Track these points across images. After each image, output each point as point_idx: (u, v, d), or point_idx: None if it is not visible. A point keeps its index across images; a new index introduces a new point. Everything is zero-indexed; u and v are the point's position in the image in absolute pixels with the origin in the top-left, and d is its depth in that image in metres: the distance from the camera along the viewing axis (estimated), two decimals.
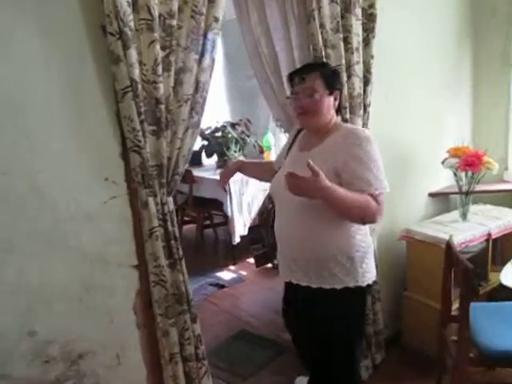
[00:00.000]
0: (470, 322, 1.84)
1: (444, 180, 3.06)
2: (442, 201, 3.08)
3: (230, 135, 4.41)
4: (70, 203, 1.48)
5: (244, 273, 4.05)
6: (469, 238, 2.42)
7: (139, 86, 1.49)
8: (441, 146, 2.99)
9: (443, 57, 2.93)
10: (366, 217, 1.52)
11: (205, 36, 1.65)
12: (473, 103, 3.20)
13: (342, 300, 1.63)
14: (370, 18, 2.22)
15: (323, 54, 2.01)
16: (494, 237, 2.54)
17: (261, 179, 2.26)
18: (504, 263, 2.25)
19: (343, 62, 2.10)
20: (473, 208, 2.69)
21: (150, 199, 1.60)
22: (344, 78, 2.11)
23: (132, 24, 1.45)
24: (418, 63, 2.74)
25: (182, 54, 1.61)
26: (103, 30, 1.46)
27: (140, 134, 1.52)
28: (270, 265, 3.66)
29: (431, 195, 2.97)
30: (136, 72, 1.47)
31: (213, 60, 1.69)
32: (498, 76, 3.02)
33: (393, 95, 2.56)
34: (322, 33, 2.00)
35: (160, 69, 1.53)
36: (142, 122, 1.52)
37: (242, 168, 2.13)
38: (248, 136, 4.55)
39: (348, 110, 2.16)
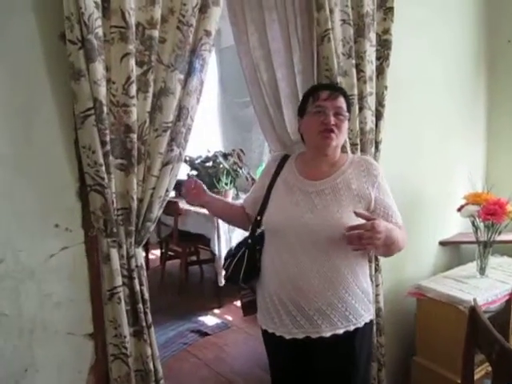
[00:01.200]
0: None
1: (455, 227, 2.77)
2: (453, 250, 2.78)
3: (221, 166, 4.15)
4: (8, 257, 1.14)
5: (230, 318, 3.67)
6: (491, 299, 2.11)
7: (105, 109, 1.18)
8: (453, 191, 2.72)
9: (458, 92, 2.69)
10: (399, 250, 1.49)
11: (193, 52, 1.36)
12: (487, 145, 2.94)
13: (367, 338, 1.57)
14: (384, 45, 1.96)
15: (337, 80, 1.72)
16: None
17: (229, 221, 1.97)
18: None
19: (355, 91, 1.82)
20: (490, 261, 2.38)
21: (113, 251, 1.27)
22: (355, 110, 1.83)
23: (100, 31, 1.15)
24: (431, 98, 2.48)
25: (164, 73, 1.31)
26: (62, 38, 1.15)
27: (103, 168, 1.20)
28: None
29: (442, 244, 2.67)
30: (102, 91, 1.17)
31: (201, 82, 1.40)
32: None
33: (402, 132, 2.29)
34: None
35: (133, 89, 1.22)
36: (106, 155, 1.21)
37: (210, 203, 1.76)
38: (240, 168, 4.29)
39: (359, 147, 1.87)
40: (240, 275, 1.58)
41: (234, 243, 3.74)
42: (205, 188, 1.71)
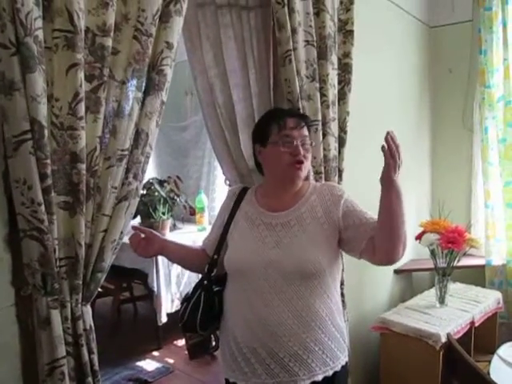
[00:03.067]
0: None
1: (407, 254, 2.74)
2: (406, 278, 2.74)
3: (156, 194, 3.86)
4: None
5: (171, 361, 3.35)
6: (456, 330, 2.06)
7: (46, 133, 0.93)
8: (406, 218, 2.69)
9: (403, 119, 2.70)
10: (404, 243, 1.28)
11: (152, 67, 1.14)
12: (432, 168, 2.99)
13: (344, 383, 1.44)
14: (345, 69, 1.89)
15: (299, 105, 1.58)
16: (476, 324, 2.20)
17: (190, 267, 1.72)
18: (486, 351, 2.02)
19: (319, 117, 1.70)
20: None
21: (55, 313, 1.00)
22: (319, 136, 1.70)
23: (40, 34, 0.91)
24: (383, 124, 2.44)
25: (118, 90, 1.10)
26: None
27: (42, 208, 0.94)
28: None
29: (396, 272, 2.61)
30: (42, 110, 0.92)
31: (162, 102, 1.18)
32: (458, 140, 2.85)
33: (361, 160, 2.21)
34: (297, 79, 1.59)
35: (82, 108, 0.98)
36: (46, 190, 0.95)
37: (166, 249, 1.53)
38: (178, 196, 4.03)
39: (323, 176, 1.74)
40: (197, 322, 1.40)
41: (173, 278, 3.49)
42: (155, 233, 1.48)
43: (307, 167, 1.43)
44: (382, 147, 1.17)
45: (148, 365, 3.29)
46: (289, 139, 1.36)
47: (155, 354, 3.46)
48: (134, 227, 1.45)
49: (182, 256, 1.58)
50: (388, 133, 1.17)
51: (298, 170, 1.37)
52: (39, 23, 0.90)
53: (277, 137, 1.36)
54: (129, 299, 4.10)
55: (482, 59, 2.61)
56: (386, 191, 1.23)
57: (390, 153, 1.16)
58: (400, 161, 1.18)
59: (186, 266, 1.70)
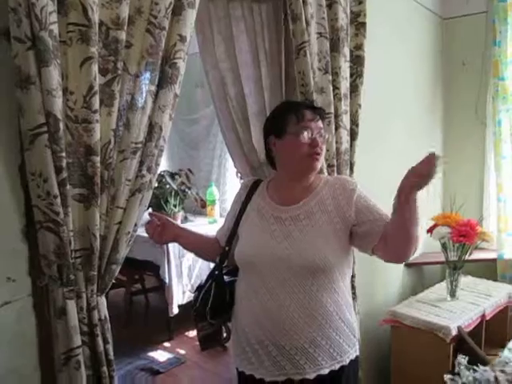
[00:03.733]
0: None
1: (418, 247, 2.73)
2: (417, 272, 2.74)
3: (168, 186, 3.88)
4: None
5: (183, 352, 3.38)
6: (467, 323, 2.05)
7: (61, 126, 0.94)
8: None
9: (416, 111, 2.68)
10: (415, 244, 1.27)
11: (165, 60, 1.15)
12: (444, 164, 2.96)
13: (353, 377, 1.43)
14: (357, 61, 1.88)
15: (313, 97, 1.58)
16: (487, 318, 2.19)
17: (203, 256, 1.76)
18: (497, 345, 2.00)
19: (332, 109, 1.69)
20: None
21: (70, 303, 1.02)
22: (332, 129, 1.70)
23: (55, 28, 0.92)
24: (397, 119, 2.44)
25: (131, 83, 1.10)
26: (6, 34, 0.90)
27: (58, 201, 0.96)
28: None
29: (408, 265, 2.61)
30: (57, 103, 0.93)
31: (175, 95, 1.19)
32: (471, 134, 2.81)
33: (374, 154, 2.20)
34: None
35: (96, 102, 0.99)
36: (62, 183, 0.96)
37: (181, 237, 1.54)
38: (189, 188, 4.04)
39: (335, 169, 1.73)
40: (206, 310, 1.43)
41: (184, 270, 3.52)
42: (171, 220, 1.50)
43: (322, 160, 1.43)
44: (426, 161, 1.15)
45: (160, 355, 3.32)
46: (308, 130, 1.35)
47: (167, 344, 3.49)
48: (150, 214, 1.47)
49: (197, 245, 1.60)
50: (430, 154, 1.15)
51: (316, 161, 1.37)
52: (54, 17, 0.91)
53: (295, 128, 1.35)
54: (140, 291, 4.14)
55: (496, 51, 2.57)
56: (403, 203, 1.18)
57: (425, 173, 1.13)
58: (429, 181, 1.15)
59: (199, 254, 1.73)
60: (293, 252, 1.31)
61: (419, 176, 1.13)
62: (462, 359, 1.40)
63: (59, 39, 0.94)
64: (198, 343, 3.10)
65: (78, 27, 0.95)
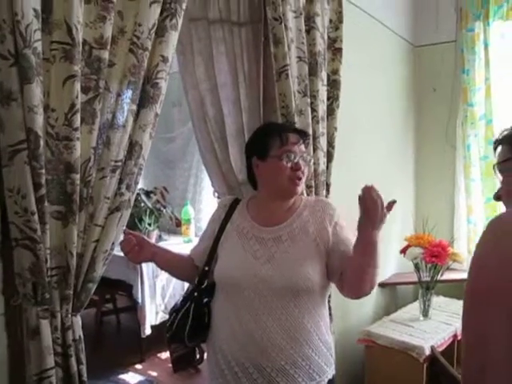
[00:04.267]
0: None
1: (391, 268, 2.78)
2: (390, 291, 2.77)
3: (143, 205, 3.84)
4: None
5: (154, 373, 3.29)
6: (439, 343, 2.08)
7: (41, 143, 0.94)
8: (389, 232, 2.74)
9: (389, 135, 2.76)
10: (374, 282, 1.30)
11: (147, 80, 1.16)
12: (416, 184, 3.05)
13: None
14: (333, 85, 1.93)
15: (294, 119, 1.62)
16: (459, 337, 2.22)
17: (177, 275, 1.72)
18: None
19: (310, 131, 1.73)
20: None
21: (44, 323, 1.00)
22: (310, 151, 1.73)
23: (39, 46, 0.92)
24: (372, 140, 2.51)
25: (113, 102, 1.11)
26: None
27: (36, 218, 0.95)
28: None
29: (381, 286, 2.64)
30: (38, 120, 0.93)
31: (156, 115, 1.20)
32: (442, 157, 2.92)
33: (347, 174, 2.25)
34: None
35: (78, 119, 1.00)
36: (40, 200, 0.96)
37: (158, 256, 1.50)
38: (164, 207, 4.01)
39: (314, 190, 1.76)
40: (185, 333, 1.40)
41: (158, 289, 3.46)
42: (146, 239, 1.47)
43: (303, 184, 1.44)
44: (359, 197, 1.19)
45: (131, 378, 3.22)
46: (291, 154, 1.36)
47: (138, 366, 3.39)
48: (125, 232, 1.44)
49: (172, 263, 1.57)
50: (366, 186, 1.20)
51: (297, 186, 1.38)
52: (38, 35, 0.91)
53: (279, 151, 1.35)
54: (112, 311, 4.04)
55: (464, 78, 2.69)
56: (362, 241, 1.23)
57: (367, 205, 1.17)
58: (383, 214, 1.18)
59: (175, 273, 1.69)
60: (275, 273, 1.30)
61: (369, 209, 1.18)
62: None
63: (42, 57, 0.94)
64: (170, 365, 3.05)
65: (61, 45, 0.96)
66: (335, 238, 1.36)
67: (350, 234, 1.38)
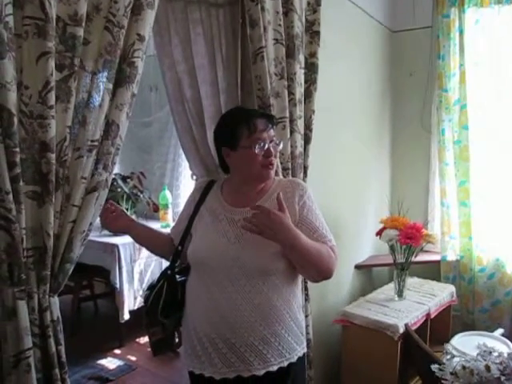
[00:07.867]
0: None
1: (367, 250, 2.84)
2: (366, 273, 2.83)
3: (119, 190, 3.79)
4: None
5: (133, 358, 3.30)
6: (413, 321, 2.14)
7: (15, 121, 0.92)
8: (365, 214, 2.79)
9: (365, 119, 2.79)
10: (324, 270, 1.32)
11: (124, 59, 1.14)
12: (391, 169, 3.10)
13: (300, 373, 1.49)
14: (311, 68, 1.93)
15: (269, 102, 1.62)
16: (432, 316, 2.30)
17: (156, 252, 1.75)
18: (440, 342, 2.05)
19: (287, 114, 1.73)
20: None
21: (21, 304, 0.99)
22: (287, 133, 1.74)
23: (11, 21, 0.89)
24: (349, 124, 2.53)
25: (88, 80, 1.08)
26: None
27: (10, 197, 0.93)
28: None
29: (357, 267, 2.70)
30: (11, 97, 0.91)
31: (133, 94, 1.18)
32: (417, 141, 2.97)
33: (324, 157, 2.27)
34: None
35: (52, 97, 0.98)
36: (15, 179, 0.94)
37: (134, 229, 1.57)
38: (141, 192, 3.98)
39: (290, 172, 1.78)
40: (159, 307, 1.45)
41: (135, 275, 3.45)
42: (126, 212, 1.51)
43: (275, 166, 1.45)
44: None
45: (109, 363, 3.23)
46: (261, 142, 1.35)
47: (117, 351, 3.40)
48: (108, 202, 1.46)
49: (150, 239, 1.62)
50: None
51: (270, 170, 1.39)
52: (10, 9, 0.89)
53: (248, 141, 1.34)
54: (89, 297, 4.01)
55: (440, 64, 2.73)
56: (285, 249, 1.29)
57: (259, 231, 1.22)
58: (269, 222, 1.20)
59: (151, 249, 1.72)
60: (244, 253, 1.33)
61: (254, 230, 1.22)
62: (449, 348, 1.44)
63: (14, 32, 0.92)
64: (149, 349, 3.06)
65: (34, 21, 0.93)
66: (300, 218, 1.39)
67: (319, 217, 1.42)
